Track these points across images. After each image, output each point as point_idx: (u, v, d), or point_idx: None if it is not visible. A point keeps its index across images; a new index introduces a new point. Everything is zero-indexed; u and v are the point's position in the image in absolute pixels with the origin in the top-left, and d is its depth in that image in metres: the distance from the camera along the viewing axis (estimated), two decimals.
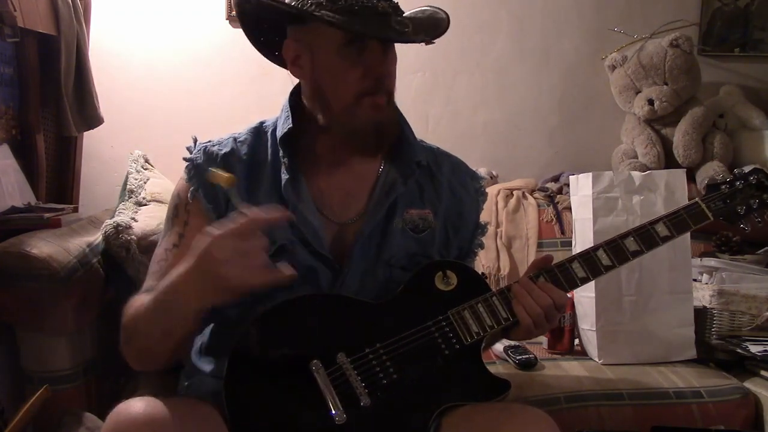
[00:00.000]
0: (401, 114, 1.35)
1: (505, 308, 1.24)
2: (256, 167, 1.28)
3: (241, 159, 1.28)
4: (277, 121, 1.32)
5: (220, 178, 1.11)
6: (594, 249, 1.28)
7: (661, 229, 1.29)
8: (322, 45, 1.21)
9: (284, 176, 1.25)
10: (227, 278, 1.02)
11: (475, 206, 1.41)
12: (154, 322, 1.12)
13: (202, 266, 1.04)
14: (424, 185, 1.35)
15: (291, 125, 1.27)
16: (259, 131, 1.33)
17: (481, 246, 1.43)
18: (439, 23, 1.25)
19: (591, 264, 1.27)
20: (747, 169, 1.38)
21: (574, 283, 1.27)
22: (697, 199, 1.34)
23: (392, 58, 1.24)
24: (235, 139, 1.31)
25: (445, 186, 1.37)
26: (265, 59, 1.36)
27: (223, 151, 1.28)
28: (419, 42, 1.17)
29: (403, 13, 1.23)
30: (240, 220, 1.04)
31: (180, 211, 1.27)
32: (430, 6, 1.28)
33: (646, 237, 1.29)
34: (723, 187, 1.35)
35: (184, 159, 1.30)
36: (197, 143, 1.32)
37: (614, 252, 1.28)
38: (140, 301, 1.17)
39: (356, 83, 1.19)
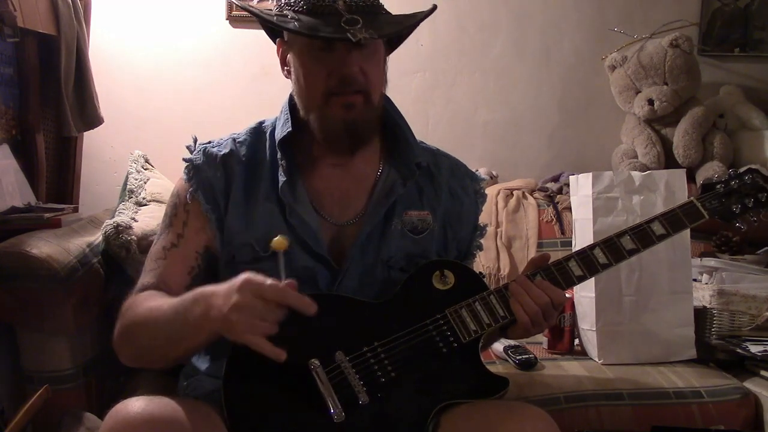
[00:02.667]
0: (401, 115, 1.35)
1: (502, 306, 1.24)
2: (255, 168, 1.29)
3: (241, 160, 1.29)
4: (276, 121, 1.33)
5: (277, 244, 1.11)
6: (590, 247, 1.28)
7: (657, 228, 1.30)
8: (296, 46, 1.23)
9: (281, 178, 1.25)
10: (231, 322, 1.03)
11: (474, 208, 1.41)
12: (165, 327, 1.12)
13: (223, 297, 1.04)
14: (423, 187, 1.35)
15: (290, 128, 1.27)
16: (258, 131, 1.33)
17: (480, 248, 1.43)
18: (403, 21, 1.23)
19: (588, 262, 1.27)
20: (742, 169, 1.38)
21: (571, 282, 1.27)
22: (692, 198, 1.35)
23: (366, 56, 1.20)
24: (234, 140, 1.31)
25: (445, 187, 1.37)
26: (265, 59, 1.36)
27: (222, 152, 1.29)
28: (355, 41, 1.12)
29: (381, 8, 1.22)
30: (275, 285, 1.03)
31: (179, 210, 1.28)
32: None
33: (643, 235, 1.29)
34: (718, 186, 1.36)
35: (184, 159, 1.30)
36: (197, 143, 1.32)
37: (611, 250, 1.28)
38: (151, 303, 1.17)
39: (323, 83, 1.19)
